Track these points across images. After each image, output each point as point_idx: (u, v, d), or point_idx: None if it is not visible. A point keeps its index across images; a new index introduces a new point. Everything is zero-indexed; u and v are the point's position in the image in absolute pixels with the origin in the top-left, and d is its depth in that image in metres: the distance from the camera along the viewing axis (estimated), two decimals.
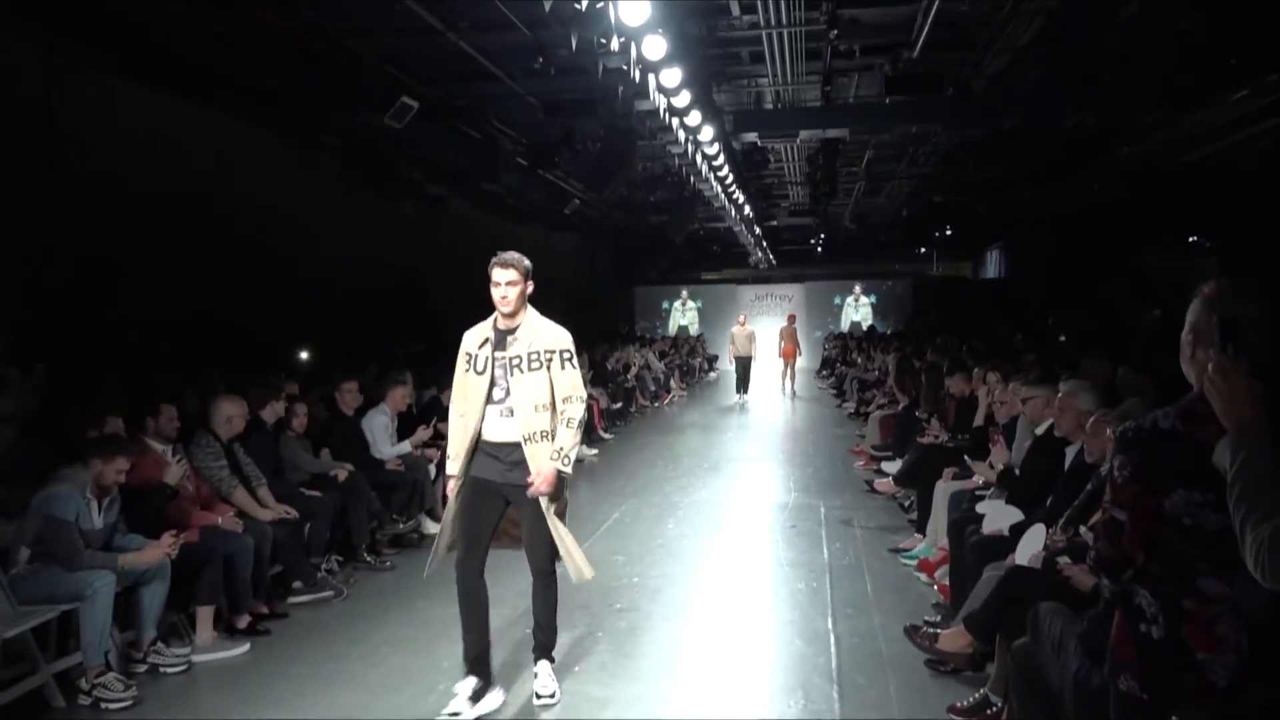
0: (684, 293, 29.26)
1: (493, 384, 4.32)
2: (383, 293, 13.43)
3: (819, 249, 29.15)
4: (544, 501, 4.33)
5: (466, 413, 4.40)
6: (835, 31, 9.20)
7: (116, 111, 8.94)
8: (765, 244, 26.05)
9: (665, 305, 29.86)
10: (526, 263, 4.32)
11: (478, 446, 4.38)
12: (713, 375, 24.69)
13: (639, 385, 17.09)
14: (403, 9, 8.08)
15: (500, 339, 4.34)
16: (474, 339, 4.43)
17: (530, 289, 4.34)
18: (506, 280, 4.27)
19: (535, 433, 4.25)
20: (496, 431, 4.34)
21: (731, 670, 4.90)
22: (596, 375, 14.84)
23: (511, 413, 4.28)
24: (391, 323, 13.47)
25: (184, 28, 7.89)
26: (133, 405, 5.77)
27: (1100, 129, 12.54)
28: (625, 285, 29.98)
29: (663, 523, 8.23)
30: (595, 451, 12.23)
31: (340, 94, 9.24)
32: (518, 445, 4.28)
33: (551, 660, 4.59)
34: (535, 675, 4.56)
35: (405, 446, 7.87)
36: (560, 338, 4.35)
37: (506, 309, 4.29)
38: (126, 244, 8.99)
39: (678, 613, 5.82)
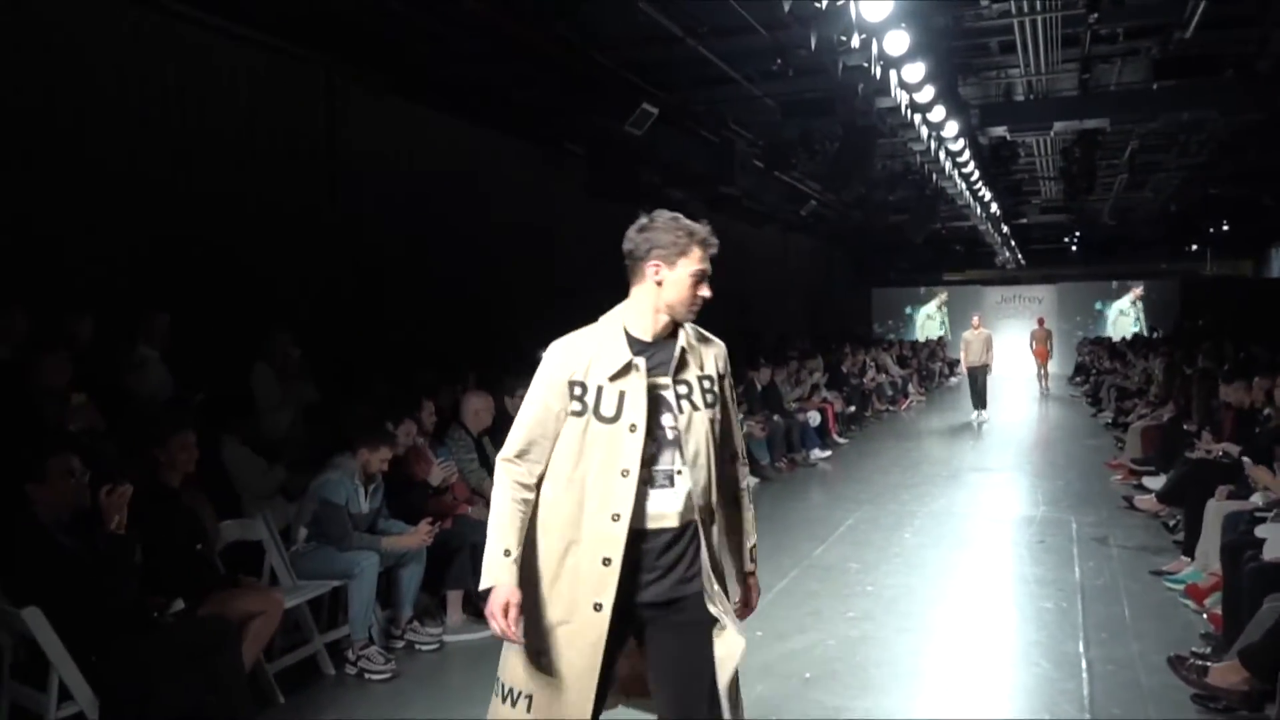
0: (943, 294, 28.34)
1: (649, 436, 2.57)
2: (621, 294, 13.76)
3: (1073, 247, 27.38)
4: (729, 624, 2.58)
5: (583, 482, 2.58)
6: (1095, 15, 8.61)
7: (385, 128, 9.65)
8: (1013, 243, 24.75)
9: (908, 309, 29.04)
10: None
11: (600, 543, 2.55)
12: (953, 380, 23.77)
13: (876, 389, 16.71)
14: (645, 18, 8.28)
15: (660, 357, 2.66)
16: (590, 358, 2.66)
17: None
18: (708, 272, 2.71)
19: (709, 507, 2.62)
20: (649, 514, 2.57)
21: (971, 688, 4.69)
22: (832, 379, 14.64)
23: (672, 481, 2.57)
24: None
25: (443, 47, 8.43)
26: (396, 400, 6.20)
27: None
28: (863, 287, 29.36)
29: (899, 531, 8.01)
30: (829, 453, 12.09)
31: (584, 103, 9.58)
32: (679, 534, 2.59)
33: None
34: None
35: None
36: (723, 349, 2.81)
37: (694, 312, 2.73)
38: (394, 250, 9.66)
39: (914, 625, 5.63)
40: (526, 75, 9.03)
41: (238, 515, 5.12)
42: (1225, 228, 23.90)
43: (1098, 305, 26.67)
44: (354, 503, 5.23)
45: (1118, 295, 26.82)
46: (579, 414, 2.59)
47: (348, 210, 9.19)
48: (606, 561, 2.52)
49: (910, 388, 19.05)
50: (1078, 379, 21.95)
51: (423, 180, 10.22)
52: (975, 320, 17.17)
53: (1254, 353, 11.39)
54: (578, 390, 2.61)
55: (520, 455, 2.66)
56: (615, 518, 2.52)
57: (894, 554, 7.25)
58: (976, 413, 15.91)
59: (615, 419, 2.56)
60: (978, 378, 15.94)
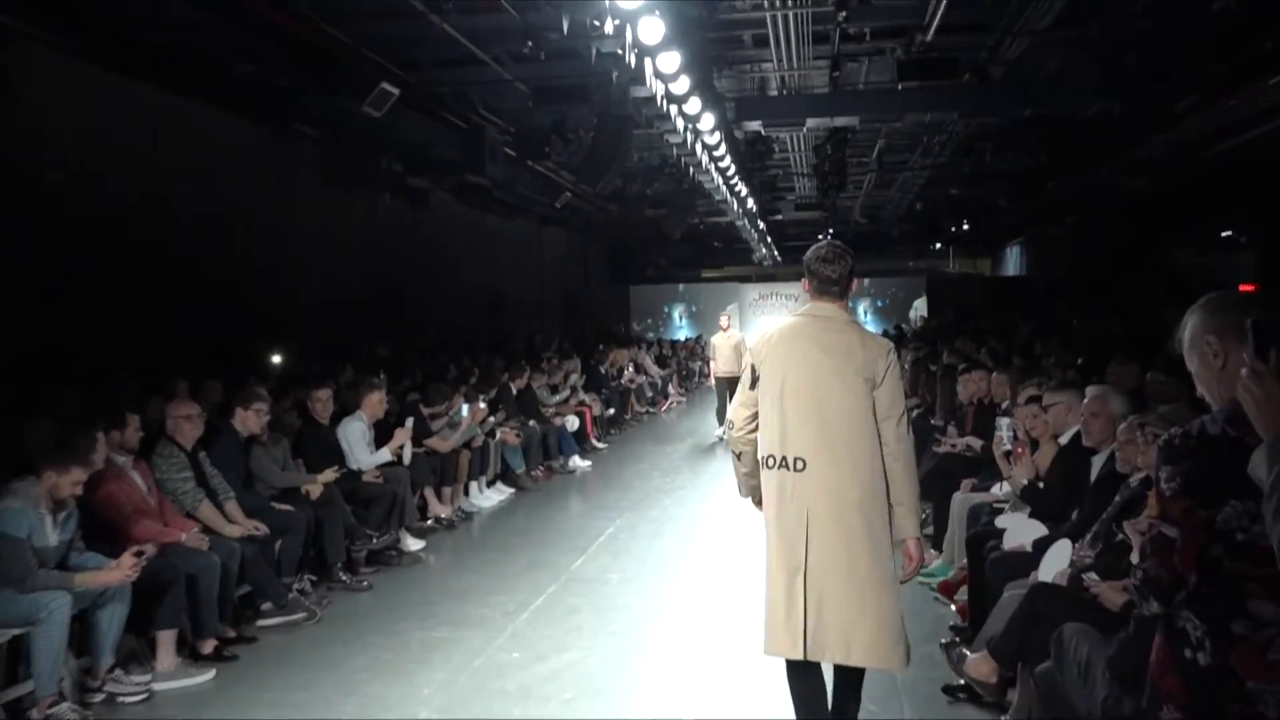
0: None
1: None
2: (360, 290, 13.43)
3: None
4: None
5: None
6: (844, 14, 9.15)
7: (80, 98, 8.90)
8: (769, 239, 25.95)
9: (665, 307, 29.83)
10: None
11: None
12: (713, 381, 24.63)
13: (635, 391, 17.10)
14: None
15: None
16: None
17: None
18: None
19: None
20: None
21: (735, 692, 4.87)
22: (590, 380, 14.83)
23: None
24: (369, 323, 13.43)
25: (154, 10, 7.85)
26: (92, 413, 5.72)
27: (1127, 117, 12.48)
28: (621, 283, 29.97)
29: (659, 539, 8.22)
30: (589, 463, 12.25)
31: (317, 80, 9.18)
32: None
33: None
34: None
35: (384, 455, 7.88)
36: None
37: None
38: (90, 238, 8.92)
39: (676, 635, 5.79)
40: (251, 47, 8.56)
41: None
42: (965, 227, 26.16)
43: (850, 304, 28.46)
44: (39, 535, 4.78)
45: (870, 294, 28.84)
46: None
47: (25, 193, 8.36)
48: None
49: (670, 388, 19.64)
50: None
51: (128, 160, 9.49)
52: (724, 321, 15.20)
53: (992, 348, 12.49)
54: None
55: None
56: None
57: (655, 562, 7.43)
58: (722, 427, 13.85)
59: None
60: (728, 391, 13.67)
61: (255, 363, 9.95)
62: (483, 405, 9.88)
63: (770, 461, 3.70)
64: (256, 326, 11.04)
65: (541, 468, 11.33)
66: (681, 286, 30.81)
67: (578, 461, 12.07)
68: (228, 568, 5.68)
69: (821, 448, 3.61)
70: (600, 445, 13.53)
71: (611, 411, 15.08)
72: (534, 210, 18.64)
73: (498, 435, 10.40)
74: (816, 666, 3.70)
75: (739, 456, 3.93)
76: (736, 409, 3.92)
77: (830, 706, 3.77)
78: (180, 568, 5.30)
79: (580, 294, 25.87)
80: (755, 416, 3.80)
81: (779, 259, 29.13)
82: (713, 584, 6.88)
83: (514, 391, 11.64)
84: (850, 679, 3.79)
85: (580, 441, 12.66)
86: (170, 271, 9.88)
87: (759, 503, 3.86)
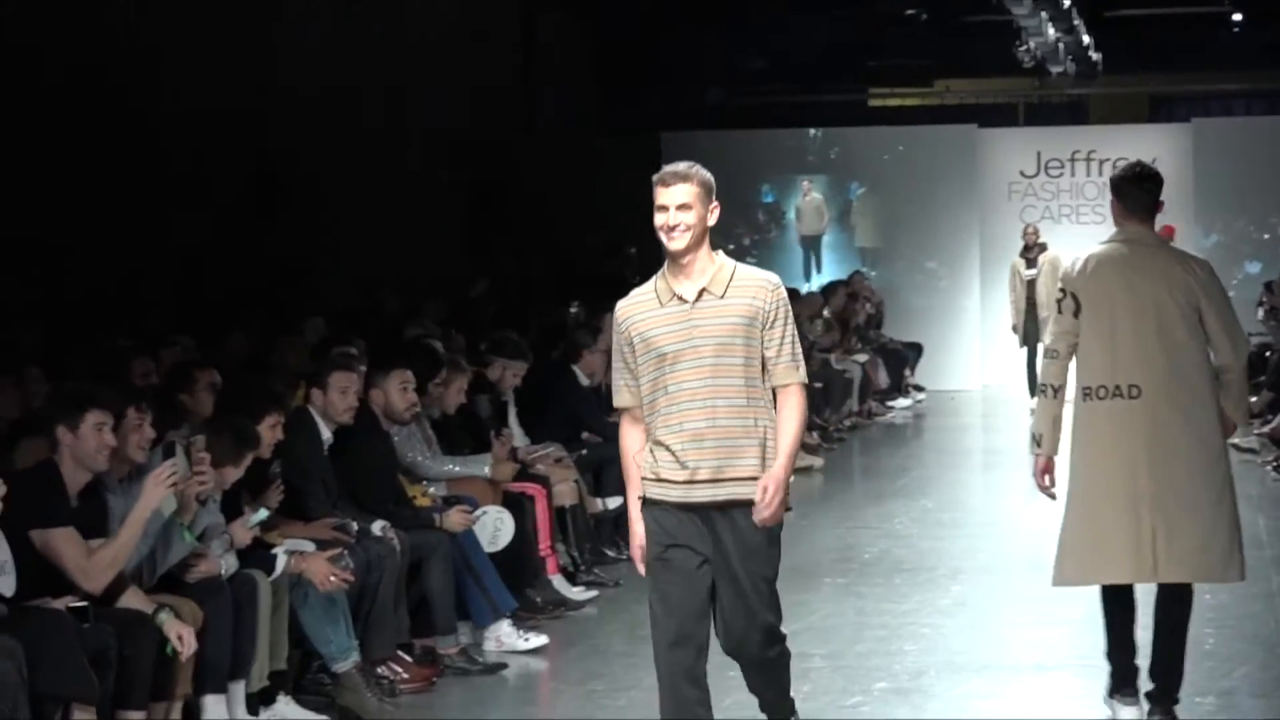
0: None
1: None
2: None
3: (1234, 21, 27.74)
4: None
5: None
6: None
7: None
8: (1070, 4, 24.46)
9: (766, 191, 29.35)
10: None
11: None
12: (903, 406, 24.53)
13: None
14: None
15: None
16: None
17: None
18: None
19: None
20: None
21: None
22: (552, 411, 14.61)
23: None
24: None
25: None
26: None
27: None
28: (631, 127, 29.81)
29: None
30: (536, 642, 11.44)
31: None
32: None
33: None
34: None
35: None
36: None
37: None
38: None
39: None
40: None
41: None
42: None
43: None
44: None
45: None
46: None
47: None
48: None
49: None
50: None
51: None
52: None
53: None
54: None
55: None
56: None
57: None
58: None
59: None
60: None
61: None
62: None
63: (1101, 392, 7.85)
64: None
65: (395, 660, 10.14)
66: (814, 133, 29.19)
67: (508, 635, 11.13)
68: None
69: (1156, 374, 7.75)
70: (578, 592, 12.75)
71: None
72: None
73: (281, 564, 9.34)
74: (1132, 599, 8.14)
75: (1055, 392, 8.15)
76: (1057, 338, 8.21)
77: (1158, 625, 8.18)
78: None
79: (509, 160, 25.26)
80: (1075, 348, 8.02)
81: (1097, 58, 27.55)
82: None
83: (324, 434, 10.71)
84: (1185, 604, 8.13)
85: (515, 576, 11.63)
86: None
87: (1046, 444, 8.29)
